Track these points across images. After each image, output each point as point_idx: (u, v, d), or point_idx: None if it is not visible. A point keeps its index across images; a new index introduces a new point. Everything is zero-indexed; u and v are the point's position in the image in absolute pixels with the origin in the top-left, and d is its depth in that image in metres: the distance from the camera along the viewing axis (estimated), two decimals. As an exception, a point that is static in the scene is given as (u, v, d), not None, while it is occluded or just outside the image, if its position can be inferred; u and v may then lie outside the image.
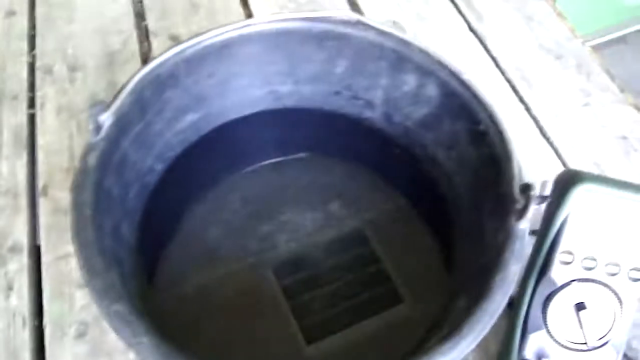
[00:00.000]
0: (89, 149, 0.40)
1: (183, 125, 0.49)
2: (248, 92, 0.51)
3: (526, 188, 0.38)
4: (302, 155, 0.59)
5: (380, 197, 0.57)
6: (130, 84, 0.43)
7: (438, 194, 0.49)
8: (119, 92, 0.42)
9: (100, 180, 0.40)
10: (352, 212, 0.56)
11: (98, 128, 0.41)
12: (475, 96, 0.43)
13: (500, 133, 0.41)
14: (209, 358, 0.47)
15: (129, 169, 0.45)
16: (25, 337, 0.48)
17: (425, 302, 0.50)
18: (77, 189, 0.39)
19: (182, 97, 0.47)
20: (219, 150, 0.53)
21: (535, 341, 0.42)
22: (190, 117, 0.49)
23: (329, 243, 0.55)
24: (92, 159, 0.40)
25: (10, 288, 0.50)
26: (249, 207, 0.56)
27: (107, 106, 0.41)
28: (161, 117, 0.47)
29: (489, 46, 0.68)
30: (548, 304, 0.42)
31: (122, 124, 0.42)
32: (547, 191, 0.41)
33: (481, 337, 0.35)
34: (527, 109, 0.62)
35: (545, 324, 0.42)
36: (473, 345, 0.34)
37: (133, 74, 0.43)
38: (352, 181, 0.58)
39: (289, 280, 0.52)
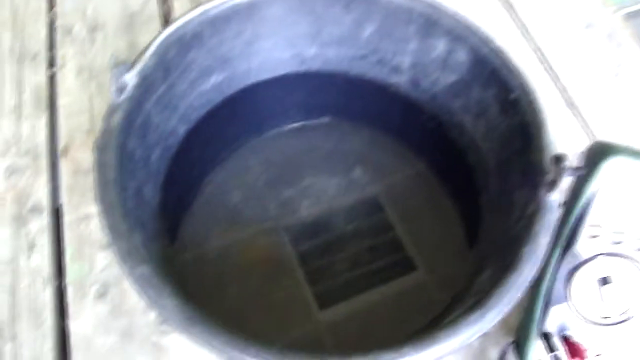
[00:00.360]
0: (112, 109, 0.40)
1: (207, 86, 0.48)
2: (273, 54, 0.50)
3: (559, 159, 0.37)
4: (325, 119, 0.58)
5: (403, 165, 0.56)
6: (154, 44, 0.42)
7: (464, 162, 0.49)
8: (143, 52, 0.42)
9: (124, 141, 0.40)
10: (374, 178, 0.56)
11: (121, 88, 0.40)
12: (507, 63, 0.42)
13: (532, 102, 0.40)
14: (226, 319, 0.47)
15: (152, 131, 0.44)
16: (46, 296, 0.49)
17: (441, 271, 0.50)
18: (100, 150, 0.39)
19: (206, 58, 0.47)
20: (242, 113, 0.53)
21: (557, 314, 0.42)
22: (214, 79, 0.49)
23: (349, 209, 0.54)
24: (116, 120, 0.39)
25: (31, 248, 0.51)
26: (270, 170, 0.56)
27: (131, 66, 0.41)
28: (185, 78, 0.46)
29: (518, 13, 0.66)
30: (572, 277, 0.41)
31: (145, 85, 0.42)
32: (581, 162, 0.40)
33: (508, 309, 0.34)
34: (555, 79, 0.61)
35: (568, 297, 0.41)
36: (500, 317, 0.34)
37: (157, 34, 0.42)
38: (375, 147, 0.57)
39: (307, 245, 0.52)
